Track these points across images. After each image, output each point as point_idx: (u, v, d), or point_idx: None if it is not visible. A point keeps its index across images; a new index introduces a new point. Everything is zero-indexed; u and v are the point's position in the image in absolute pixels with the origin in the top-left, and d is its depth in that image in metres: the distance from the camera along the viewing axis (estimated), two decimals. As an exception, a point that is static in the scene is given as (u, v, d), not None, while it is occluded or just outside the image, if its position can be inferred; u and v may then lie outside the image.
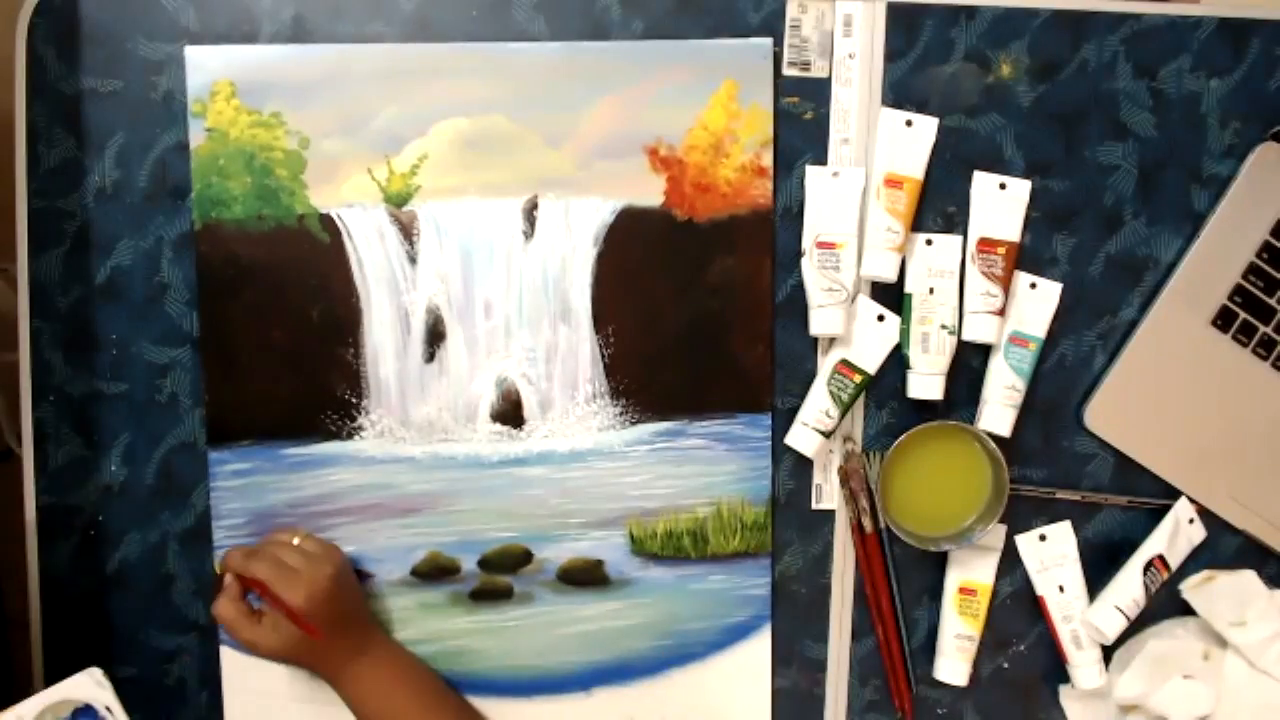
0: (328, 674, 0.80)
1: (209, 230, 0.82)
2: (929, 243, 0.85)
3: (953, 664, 0.87)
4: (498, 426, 0.85)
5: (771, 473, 0.86)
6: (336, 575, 0.79)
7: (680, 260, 0.84)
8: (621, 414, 0.85)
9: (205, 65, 0.81)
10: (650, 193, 0.84)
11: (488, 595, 0.86)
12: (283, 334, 0.83)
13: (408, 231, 0.83)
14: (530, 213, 0.83)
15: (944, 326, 0.84)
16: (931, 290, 0.84)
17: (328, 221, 0.83)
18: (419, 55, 0.82)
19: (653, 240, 0.84)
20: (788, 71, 0.84)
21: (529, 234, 0.83)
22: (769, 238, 0.85)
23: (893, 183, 0.83)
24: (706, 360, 0.85)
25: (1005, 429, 0.84)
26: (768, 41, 0.83)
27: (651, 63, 0.83)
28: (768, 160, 0.84)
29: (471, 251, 0.83)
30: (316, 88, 0.82)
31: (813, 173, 0.84)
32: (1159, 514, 0.87)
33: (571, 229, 0.83)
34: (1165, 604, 0.88)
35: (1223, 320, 0.86)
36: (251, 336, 0.83)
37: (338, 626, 0.78)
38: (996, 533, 0.87)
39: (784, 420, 0.86)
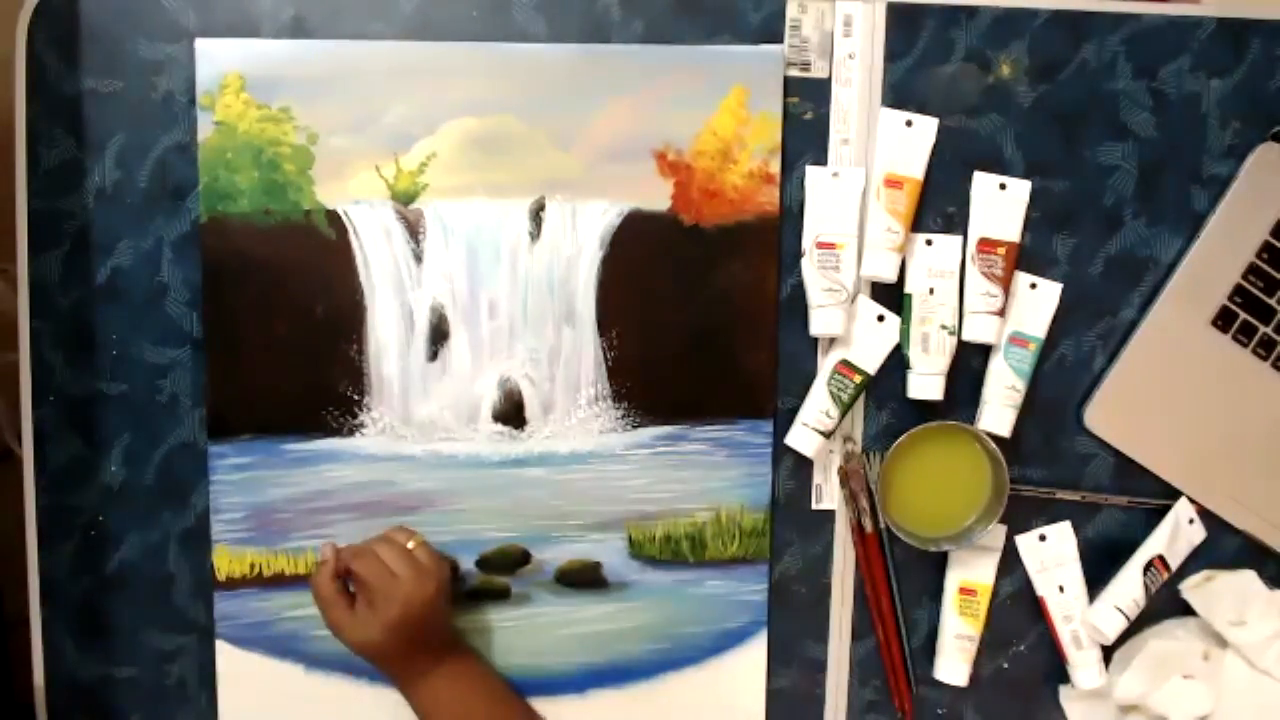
0: (401, 682, 0.80)
1: (215, 224, 0.82)
2: (929, 243, 0.85)
3: (953, 664, 0.87)
4: (499, 427, 0.85)
5: (771, 473, 0.86)
6: (437, 594, 0.78)
7: (686, 265, 0.84)
8: (623, 417, 0.85)
9: (215, 58, 0.81)
10: (657, 197, 0.84)
11: (485, 595, 0.86)
12: (286, 329, 0.83)
13: (414, 230, 0.83)
14: (537, 214, 0.83)
15: (944, 326, 0.84)
16: (931, 290, 0.84)
17: (334, 218, 0.82)
18: (429, 53, 0.82)
19: (659, 244, 0.84)
20: (788, 72, 0.84)
21: (535, 235, 0.83)
22: (775, 245, 0.85)
23: (893, 183, 0.83)
24: (709, 366, 0.85)
25: (1005, 429, 0.84)
26: (779, 49, 0.83)
27: (661, 67, 0.83)
28: (775, 167, 0.84)
29: (477, 251, 0.83)
30: (326, 83, 0.81)
31: (813, 173, 0.84)
32: (1159, 514, 0.87)
33: (578, 231, 0.83)
34: (1165, 604, 0.88)
35: (1223, 320, 0.86)
36: (255, 331, 0.83)
37: (421, 641, 0.78)
38: (996, 533, 0.87)
39: (784, 421, 0.86)
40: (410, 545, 0.80)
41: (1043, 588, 0.88)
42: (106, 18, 0.81)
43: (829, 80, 0.85)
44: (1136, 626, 0.86)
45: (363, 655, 0.78)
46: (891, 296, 0.85)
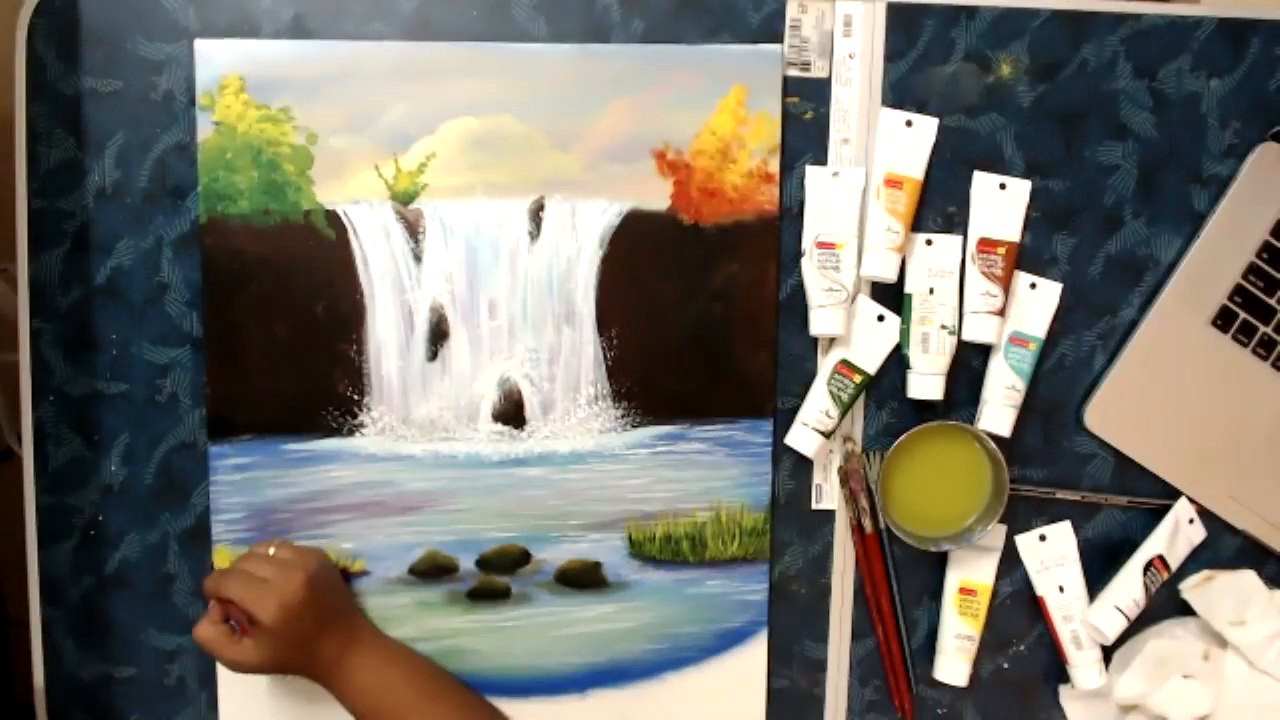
0: (320, 676, 0.79)
1: (215, 224, 0.82)
2: (929, 243, 0.85)
3: (953, 664, 0.87)
4: (499, 426, 0.85)
5: (771, 473, 0.86)
6: (310, 580, 0.77)
7: (685, 264, 0.84)
8: (623, 417, 0.85)
9: (214, 59, 0.81)
10: (657, 196, 0.84)
11: (485, 595, 0.86)
12: (286, 329, 0.83)
13: (413, 229, 0.83)
14: (536, 213, 0.83)
15: (944, 326, 0.84)
16: (931, 290, 0.84)
17: (334, 218, 0.82)
18: (429, 53, 0.82)
19: (658, 244, 0.84)
20: (788, 72, 0.84)
21: (535, 235, 0.83)
22: (774, 244, 0.85)
23: (893, 183, 0.83)
24: (709, 365, 0.85)
25: (1005, 429, 0.84)
26: (779, 48, 0.83)
27: (661, 66, 0.83)
28: (774, 167, 0.84)
29: (477, 251, 0.83)
30: (326, 83, 0.81)
31: (813, 173, 0.84)
32: (1159, 514, 0.87)
33: (577, 230, 0.83)
34: (1165, 604, 0.88)
35: (1223, 320, 0.86)
36: (255, 331, 0.83)
37: (315, 633, 0.78)
38: (996, 533, 0.87)
39: (784, 421, 0.86)
40: (271, 551, 0.81)
41: (1043, 588, 0.88)
42: (106, 18, 0.81)
43: (829, 80, 0.85)
44: (1136, 626, 0.86)
45: (273, 671, 0.78)
46: (891, 296, 0.85)
